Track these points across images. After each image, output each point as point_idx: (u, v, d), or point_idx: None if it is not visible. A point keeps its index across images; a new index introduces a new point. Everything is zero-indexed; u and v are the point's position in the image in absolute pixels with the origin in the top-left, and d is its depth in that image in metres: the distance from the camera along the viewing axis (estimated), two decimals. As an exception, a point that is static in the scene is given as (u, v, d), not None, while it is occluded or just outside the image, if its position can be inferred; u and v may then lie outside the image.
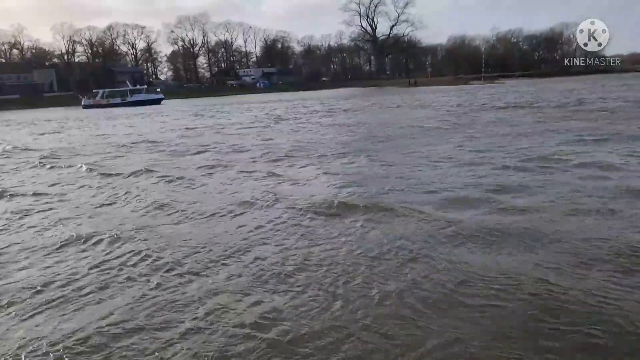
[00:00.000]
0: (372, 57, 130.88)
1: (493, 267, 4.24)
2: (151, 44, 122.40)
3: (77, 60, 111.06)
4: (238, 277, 4.30)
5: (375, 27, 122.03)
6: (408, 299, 3.74)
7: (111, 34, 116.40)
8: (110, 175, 10.01)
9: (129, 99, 68.70)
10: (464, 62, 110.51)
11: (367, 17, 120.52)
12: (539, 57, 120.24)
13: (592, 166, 8.14)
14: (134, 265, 4.73)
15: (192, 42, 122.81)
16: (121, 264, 4.77)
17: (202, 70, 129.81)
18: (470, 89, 59.87)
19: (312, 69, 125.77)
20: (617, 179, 7.18)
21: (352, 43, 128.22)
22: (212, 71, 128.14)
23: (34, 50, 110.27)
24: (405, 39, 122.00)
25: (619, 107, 19.95)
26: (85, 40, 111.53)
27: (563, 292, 3.69)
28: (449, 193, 6.87)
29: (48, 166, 11.91)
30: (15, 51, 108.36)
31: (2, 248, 5.46)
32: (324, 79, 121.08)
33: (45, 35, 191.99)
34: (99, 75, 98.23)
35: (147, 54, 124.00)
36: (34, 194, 8.41)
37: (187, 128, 22.78)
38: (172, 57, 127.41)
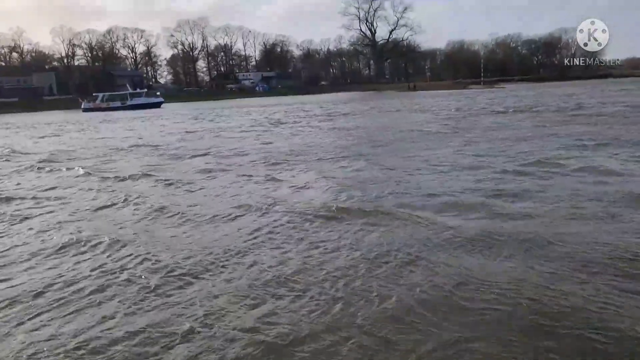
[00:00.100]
0: (372, 62, 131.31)
1: (493, 271, 4.24)
2: (151, 47, 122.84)
3: (76, 63, 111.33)
4: (238, 280, 4.30)
5: (375, 32, 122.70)
6: (407, 302, 3.74)
7: (111, 38, 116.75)
8: (109, 178, 10.00)
9: (129, 102, 68.68)
10: (463, 67, 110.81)
11: (367, 21, 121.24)
12: (538, 61, 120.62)
13: (592, 171, 8.14)
14: (134, 268, 4.72)
15: (191, 45, 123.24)
16: (121, 267, 4.77)
17: (202, 74, 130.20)
18: (470, 93, 59.95)
19: (311, 73, 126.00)
20: (617, 183, 7.18)
21: (352, 47, 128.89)
22: (212, 75, 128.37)
23: (33, 54, 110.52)
24: (405, 43, 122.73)
25: (618, 112, 19.99)
26: (85, 43, 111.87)
27: (563, 296, 3.69)
28: (449, 197, 6.87)
29: (47, 169, 11.91)
30: (15, 54, 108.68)
31: (1, 251, 5.45)
32: (323, 83, 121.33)
33: (44, 38, 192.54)
34: (99, 78, 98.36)
35: (146, 58, 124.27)
36: (34, 197, 8.41)
37: (187, 131, 22.79)
38: (172, 61, 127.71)
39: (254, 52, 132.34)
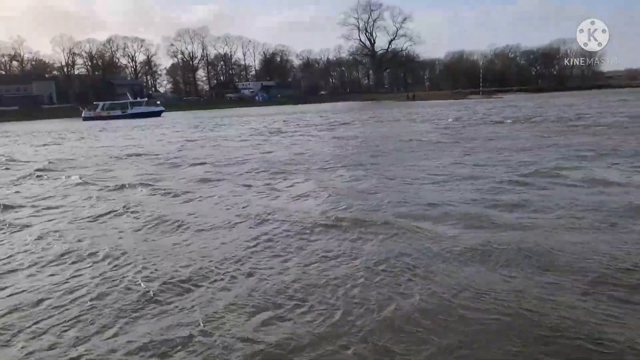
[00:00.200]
0: (371, 71, 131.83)
1: (492, 281, 4.24)
2: (151, 56, 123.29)
3: (76, 72, 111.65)
4: (237, 289, 4.30)
5: (374, 42, 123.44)
6: (406, 311, 3.74)
7: (111, 47, 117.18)
8: (109, 187, 10.00)
9: (129, 111, 68.82)
10: (462, 77, 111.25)
11: (366, 31, 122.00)
12: (537, 72, 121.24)
13: (591, 181, 8.14)
14: (133, 276, 4.71)
15: (191, 55, 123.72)
16: (120, 275, 4.77)
17: (201, 83, 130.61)
18: (469, 103, 60.18)
19: (310, 83, 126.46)
20: (617, 194, 7.19)
21: (351, 57, 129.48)
22: (211, 84, 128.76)
23: (33, 62, 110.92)
24: (404, 53, 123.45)
25: (616, 122, 20.06)
26: (85, 52, 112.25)
27: (563, 307, 3.68)
28: (448, 207, 6.87)
29: (47, 177, 11.91)
30: (15, 63, 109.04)
31: (1, 259, 5.45)
32: (322, 92, 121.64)
33: (45, 47, 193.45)
34: (99, 87, 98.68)
35: (146, 67, 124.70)
36: (33, 206, 8.42)
37: (186, 140, 22.84)
38: (172, 70, 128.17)
39: (254, 61, 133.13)
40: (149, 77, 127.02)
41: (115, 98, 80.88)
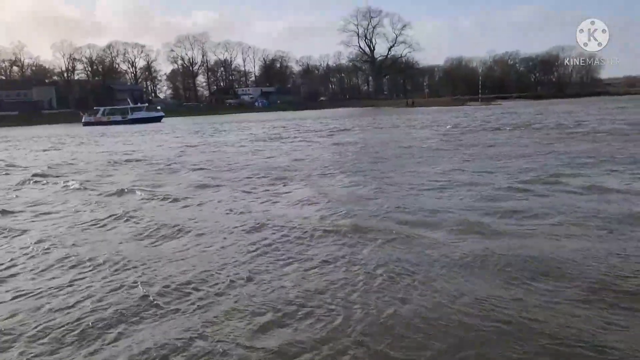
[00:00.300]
0: (370, 78, 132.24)
1: (492, 287, 4.25)
2: (151, 62, 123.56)
3: (76, 77, 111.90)
4: (236, 294, 4.30)
5: (374, 48, 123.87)
6: (405, 317, 3.74)
7: (111, 52, 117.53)
8: (109, 192, 10.01)
9: (129, 116, 68.88)
10: (461, 83, 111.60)
11: (366, 38, 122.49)
12: (536, 79, 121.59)
13: (591, 188, 8.13)
14: (132, 281, 4.71)
15: (191, 61, 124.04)
16: (119, 280, 4.76)
17: (201, 89, 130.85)
18: (468, 109, 60.30)
19: (310, 89, 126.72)
20: (617, 201, 7.20)
21: (350, 63, 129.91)
22: (211, 90, 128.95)
23: (34, 68, 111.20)
24: (403, 59, 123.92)
25: (615, 129, 20.10)
26: (86, 58, 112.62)
27: (564, 314, 3.68)
28: (447, 214, 6.88)
29: (47, 182, 11.92)
30: (15, 68, 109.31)
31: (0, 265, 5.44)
32: (322, 98, 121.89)
33: (45, 53, 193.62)
34: (99, 93, 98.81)
35: (146, 73, 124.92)
36: (33, 211, 8.42)
37: (186, 146, 22.86)
38: (172, 76, 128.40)
39: (254, 67, 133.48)
40: (149, 82, 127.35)
41: (115, 103, 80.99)
